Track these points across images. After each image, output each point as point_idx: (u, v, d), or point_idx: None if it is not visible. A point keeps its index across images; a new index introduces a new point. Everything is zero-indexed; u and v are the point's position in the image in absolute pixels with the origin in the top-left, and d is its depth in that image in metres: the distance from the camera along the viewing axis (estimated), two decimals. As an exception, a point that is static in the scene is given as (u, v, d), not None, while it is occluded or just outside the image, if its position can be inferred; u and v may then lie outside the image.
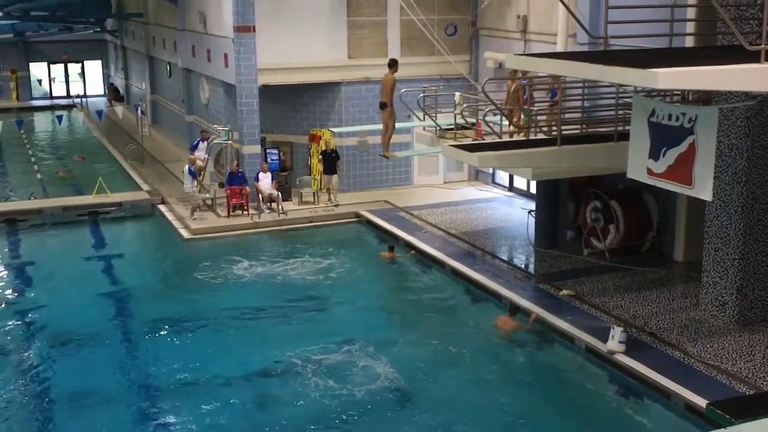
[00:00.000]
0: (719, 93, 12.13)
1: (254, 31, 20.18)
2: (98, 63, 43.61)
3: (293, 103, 21.83)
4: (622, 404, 11.35)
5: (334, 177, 20.46)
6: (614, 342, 12.00)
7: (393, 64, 17.25)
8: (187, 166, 20.16)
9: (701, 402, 10.44)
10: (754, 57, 9.36)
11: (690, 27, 13.73)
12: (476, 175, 22.74)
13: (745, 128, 12.31)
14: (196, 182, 20.17)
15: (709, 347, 12.09)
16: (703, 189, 10.61)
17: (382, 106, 17.37)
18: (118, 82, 40.34)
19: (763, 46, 9.26)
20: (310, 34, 20.87)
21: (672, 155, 10.82)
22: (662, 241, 16.13)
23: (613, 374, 11.87)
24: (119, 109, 30.41)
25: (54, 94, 42.99)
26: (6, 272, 17.39)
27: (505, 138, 15.34)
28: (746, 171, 12.42)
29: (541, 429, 10.78)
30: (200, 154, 21.68)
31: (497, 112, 15.70)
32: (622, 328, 12.11)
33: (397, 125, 18.15)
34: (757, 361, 11.62)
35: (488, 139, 15.64)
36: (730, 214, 12.70)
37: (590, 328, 12.84)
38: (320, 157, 20.59)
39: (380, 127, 18.00)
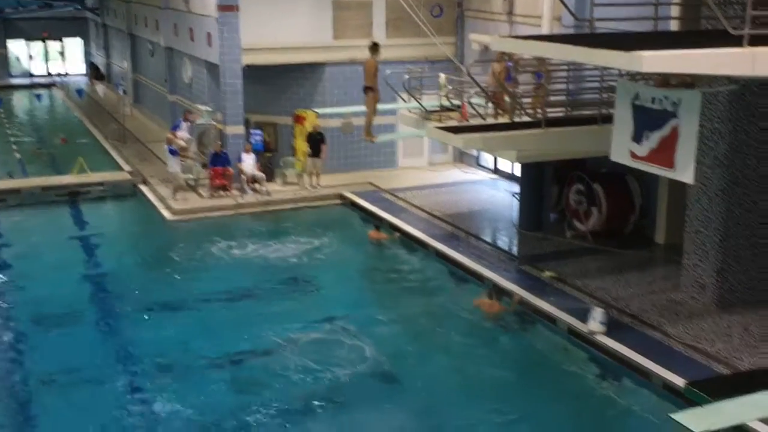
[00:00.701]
0: (702, 77, 12.19)
1: (238, 10, 20.04)
2: (79, 41, 43.09)
3: (277, 83, 21.72)
4: (602, 384, 11.50)
5: (319, 160, 20.41)
6: (595, 323, 12.14)
7: (374, 48, 17.19)
8: (166, 146, 20.06)
9: (680, 381, 10.59)
10: (737, 41, 9.41)
11: (675, 11, 13.77)
12: (461, 158, 22.78)
13: (728, 112, 12.41)
14: (179, 158, 20.05)
15: (689, 328, 12.25)
16: (685, 172, 10.69)
17: (366, 90, 17.34)
18: (99, 60, 39.92)
19: (746, 30, 9.31)
20: (295, 14, 20.73)
21: (655, 138, 10.88)
22: (644, 223, 16.27)
23: (594, 355, 12.01)
24: (100, 87, 30.17)
25: (33, 73, 42.49)
26: (-14, 252, 17.28)
27: (490, 120, 15.36)
28: (727, 155, 12.54)
29: (524, 409, 10.88)
30: (183, 134, 21.55)
31: (482, 94, 15.70)
32: (603, 310, 12.24)
33: (382, 107, 18.09)
34: (734, 341, 11.80)
35: (473, 122, 15.64)
36: (711, 198, 12.83)
37: (572, 310, 12.96)
38: (307, 139, 20.50)
39: (365, 108, 17.95)
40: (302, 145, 20.62)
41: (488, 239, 16.76)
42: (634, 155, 11.28)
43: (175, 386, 11.39)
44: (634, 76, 12.54)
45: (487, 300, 13.89)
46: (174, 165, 19.91)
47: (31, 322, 13.62)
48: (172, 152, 19.87)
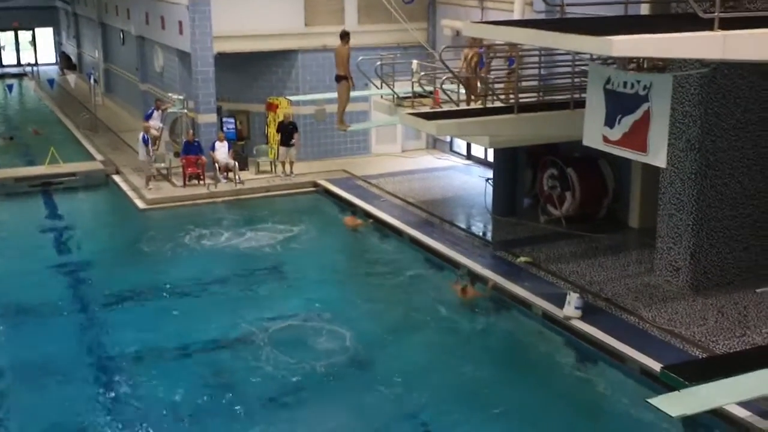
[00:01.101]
0: (674, 60, 12.21)
1: (209, -3, 19.83)
2: (50, 30, 42.50)
3: (249, 71, 21.52)
4: (578, 369, 11.53)
5: (292, 149, 20.26)
6: (570, 308, 12.15)
7: (345, 36, 17.07)
8: (141, 134, 19.83)
9: (655, 366, 10.60)
10: (707, 25, 9.40)
11: (646, -6, 13.79)
12: (434, 144, 22.72)
13: (699, 96, 12.44)
14: (149, 149, 19.85)
15: (663, 312, 12.30)
16: (658, 156, 10.70)
17: (338, 79, 17.23)
18: (70, 50, 39.39)
19: (716, 13, 9.30)
20: (266, 1, 20.52)
21: (627, 122, 10.87)
22: (618, 207, 16.31)
23: (570, 339, 12.03)
24: (71, 77, 29.75)
25: (4, 63, 41.85)
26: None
27: (463, 106, 15.33)
28: (699, 138, 12.57)
29: (500, 395, 10.88)
30: (155, 123, 21.32)
31: (454, 80, 15.65)
32: (578, 294, 12.26)
33: (355, 94, 18.01)
34: (709, 325, 11.86)
35: (446, 108, 15.59)
36: (684, 181, 12.87)
37: (547, 295, 12.97)
38: (278, 129, 20.32)
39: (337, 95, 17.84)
40: (275, 134, 20.46)
41: (462, 225, 16.74)
42: (606, 139, 11.27)
43: (147, 377, 11.28)
44: (605, 61, 12.54)
45: (461, 285, 13.87)
46: (145, 154, 19.69)
47: (3, 313, 13.40)
48: (145, 141, 19.65)
